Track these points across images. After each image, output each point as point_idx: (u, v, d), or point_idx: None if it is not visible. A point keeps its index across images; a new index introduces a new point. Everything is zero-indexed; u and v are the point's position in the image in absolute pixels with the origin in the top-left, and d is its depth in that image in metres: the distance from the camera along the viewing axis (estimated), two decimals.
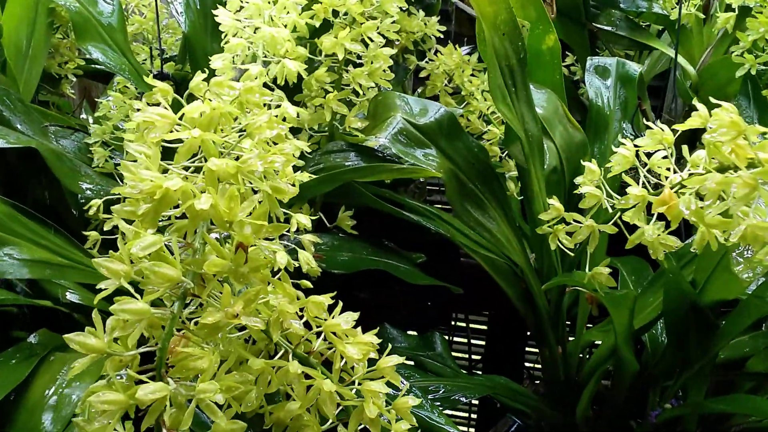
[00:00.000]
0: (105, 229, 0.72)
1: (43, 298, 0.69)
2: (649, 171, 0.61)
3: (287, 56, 0.70)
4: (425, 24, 1.02)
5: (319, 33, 0.79)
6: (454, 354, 0.93)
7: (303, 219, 0.61)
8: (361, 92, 0.82)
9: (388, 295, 0.96)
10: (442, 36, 1.03)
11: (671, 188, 0.57)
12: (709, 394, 0.84)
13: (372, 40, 0.78)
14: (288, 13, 0.73)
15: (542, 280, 0.86)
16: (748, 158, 0.52)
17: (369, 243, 0.86)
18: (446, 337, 1.03)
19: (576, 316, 0.93)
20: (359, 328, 0.49)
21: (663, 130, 0.59)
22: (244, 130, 0.48)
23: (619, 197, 0.64)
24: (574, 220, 0.69)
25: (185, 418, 0.39)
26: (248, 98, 0.50)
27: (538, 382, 1.19)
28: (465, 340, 1.40)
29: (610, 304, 0.73)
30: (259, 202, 0.45)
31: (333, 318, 0.49)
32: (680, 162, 0.61)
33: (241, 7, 0.73)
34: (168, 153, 0.46)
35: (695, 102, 0.57)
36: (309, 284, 0.52)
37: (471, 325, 1.40)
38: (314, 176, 0.65)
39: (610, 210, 0.67)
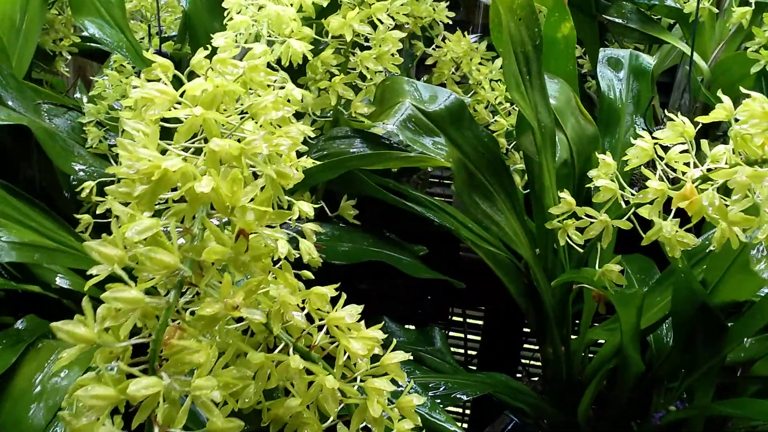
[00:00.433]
0: (98, 212, 0.70)
1: (31, 283, 0.66)
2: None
3: (293, 36, 0.68)
4: (434, 9, 0.99)
5: (326, 13, 0.76)
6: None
7: (306, 207, 0.59)
8: (368, 76, 0.79)
9: (389, 287, 0.93)
10: (450, 23, 1.01)
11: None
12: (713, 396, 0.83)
13: (381, 22, 0.76)
14: None
15: (547, 276, 0.84)
16: None
17: (370, 234, 0.84)
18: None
19: (578, 313, 0.91)
20: (362, 322, 0.47)
21: (684, 122, 0.57)
22: (247, 112, 0.45)
23: (633, 192, 0.62)
24: (586, 215, 0.66)
25: (179, 415, 0.37)
26: (252, 77, 0.47)
27: (536, 379, 1.17)
28: (460, 335, 1.38)
29: (619, 303, 0.71)
30: (262, 188, 0.42)
31: (336, 311, 0.47)
32: (697, 157, 0.59)
33: None
34: (166, 134, 0.43)
35: (720, 94, 0.54)
36: (310, 275, 0.50)
37: (467, 320, 1.38)
38: (318, 162, 0.62)
39: (623, 205, 0.65)
